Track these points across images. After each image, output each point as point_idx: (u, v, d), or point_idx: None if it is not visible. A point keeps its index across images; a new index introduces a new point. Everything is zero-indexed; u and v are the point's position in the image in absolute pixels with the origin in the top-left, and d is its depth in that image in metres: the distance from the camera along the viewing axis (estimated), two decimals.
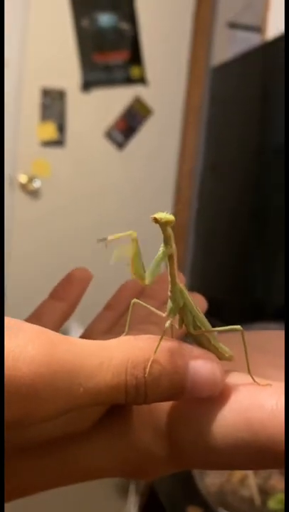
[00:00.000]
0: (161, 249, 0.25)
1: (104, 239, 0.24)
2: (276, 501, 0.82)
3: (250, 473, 0.87)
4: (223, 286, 1.87)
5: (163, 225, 0.25)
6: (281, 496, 0.83)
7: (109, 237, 0.24)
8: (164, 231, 0.25)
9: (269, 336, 0.32)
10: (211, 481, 0.89)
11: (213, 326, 0.27)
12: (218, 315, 1.73)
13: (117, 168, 2.13)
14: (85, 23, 2.04)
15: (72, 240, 2.07)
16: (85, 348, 0.22)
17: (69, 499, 1.62)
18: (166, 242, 0.25)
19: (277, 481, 0.86)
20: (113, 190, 2.13)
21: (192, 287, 2.08)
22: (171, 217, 0.24)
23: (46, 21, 2.03)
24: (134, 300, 0.27)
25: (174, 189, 2.19)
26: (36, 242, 2.08)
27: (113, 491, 1.68)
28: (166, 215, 0.24)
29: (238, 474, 0.88)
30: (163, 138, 2.17)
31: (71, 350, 0.21)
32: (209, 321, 0.28)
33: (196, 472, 0.89)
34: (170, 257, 0.25)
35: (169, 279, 0.26)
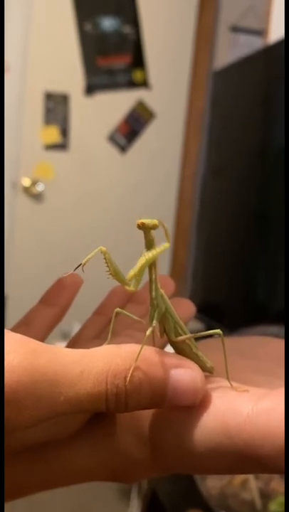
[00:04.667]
0: (144, 254, 0.25)
1: (79, 265, 0.25)
2: (277, 504, 0.82)
3: (251, 476, 0.87)
4: (225, 290, 1.87)
5: (148, 229, 0.25)
6: (282, 499, 0.83)
7: (83, 262, 0.25)
8: (147, 236, 0.25)
9: (255, 342, 0.33)
10: (212, 484, 0.89)
11: (211, 329, 0.28)
12: (219, 318, 1.73)
13: (119, 172, 2.14)
14: (88, 27, 2.05)
15: (75, 243, 2.08)
16: (67, 356, 0.22)
17: (71, 502, 1.62)
18: (149, 246, 0.25)
19: (278, 484, 0.86)
20: (116, 194, 2.14)
21: (194, 291, 2.08)
22: (156, 221, 0.25)
23: (49, 25, 2.04)
24: (117, 309, 0.27)
25: (177, 192, 2.20)
26: (39, 246, 2.08)
27: (115, 494, 1.68)
28: (152, 220, 0.25)
29: (239, 477, 0.88)
30: (165, 141, 2.17)
31: (53, 359, 0.21)
32: (210, 324, 0.28)
33: (197, 475, 0.89)
34: (152, 262, 0.25)
35: (150, 284, 0.26)
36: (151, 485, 1.23)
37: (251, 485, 0.86)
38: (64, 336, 1.55)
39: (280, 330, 0.91)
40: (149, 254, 0.25)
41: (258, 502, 0.85)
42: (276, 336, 0.34)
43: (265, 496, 0.86)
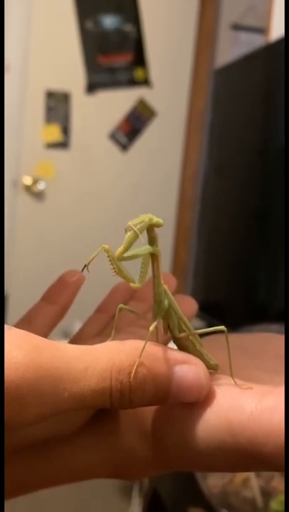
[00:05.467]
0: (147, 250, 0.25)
1: (84, 266, 0.25)
2: (278, 503, 0.83)
3: (252, 474, 0.87)
4: (226, 289, 1.87)
5: (151, 226, 0.25)
6: (283, 497, 0.83)
7: (87, 263, 0.25)
8: (150, 232, 0.25)
9: (259, 339, 0.32)
10: (213, 482, 0.89)
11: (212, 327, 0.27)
12: (220, 316, 1.73)
13: (120, 170, 2.14)
14: (89, 25, 2.05)
15: (76, 242, 2.08)
16: (71, 353, 0.22)
17: (73, 500, 1.63)
18: (152, 242, 0.25)
19: (279, 482, 0.86)
20: (117, 192, 2.14)
21: (195, 289, 2.08)
22: (160, 220, 0.25)
23: (50, 24, 2.03)
24: (121, 305, 0.27)
25: (178, 191, 2.20)
26: (40, 244, 2.08)
27: (116, 492, 1.68)
28: (157, 219, 0.25)
29: (240, 476, 0.88)
30: (167, 139, 2.17)
31: (56, 355, 0.21)
32: (211, 322, 0.28)
33: (198, 473, 0.89)
34: (155, 258, 0.25)
35: (154, 280, 0.26)
36: (153, 483, 1.23)
37: (252, 483, 0.86)
38: (65, 334, 1.54)
39: (281, 327, 0.91)
40: (135, 229, 0.24)
41: (259, 500, 0.85)
42: (277, 333, 0.34)
43: (266, 494, 0.86)
